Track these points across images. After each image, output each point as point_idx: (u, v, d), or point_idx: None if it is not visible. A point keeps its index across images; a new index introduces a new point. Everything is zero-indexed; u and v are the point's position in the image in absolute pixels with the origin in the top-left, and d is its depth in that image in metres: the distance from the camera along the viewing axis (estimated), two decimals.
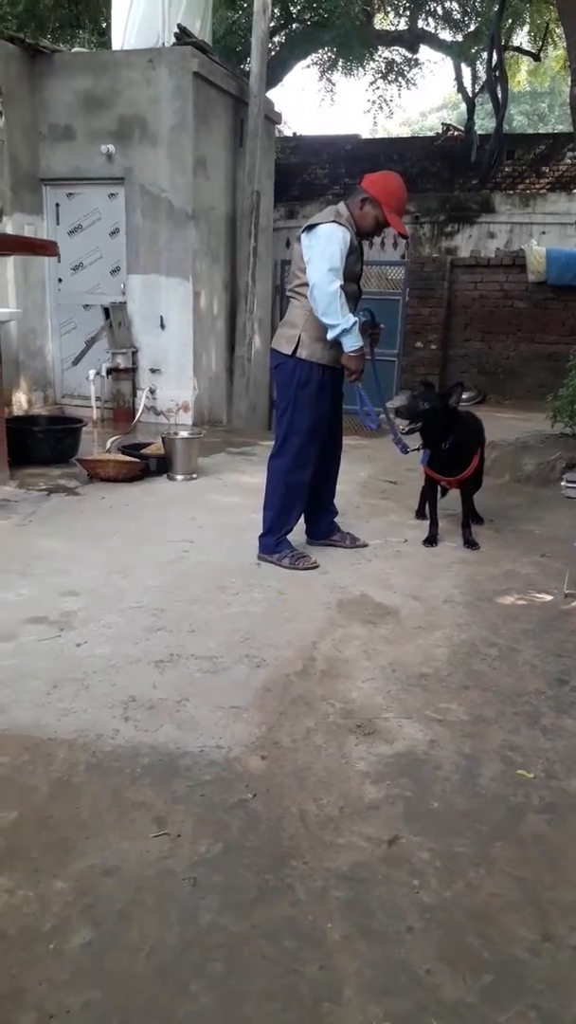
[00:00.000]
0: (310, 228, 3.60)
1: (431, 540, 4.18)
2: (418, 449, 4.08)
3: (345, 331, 3.54)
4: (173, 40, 7.49)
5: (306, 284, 3.61)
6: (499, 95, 12.47)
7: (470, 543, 4.12)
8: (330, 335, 3.58)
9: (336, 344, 3.68)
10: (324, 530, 4.17)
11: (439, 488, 4.29)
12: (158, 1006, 1.46)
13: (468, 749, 2.29)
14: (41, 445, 5.85)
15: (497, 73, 12.37)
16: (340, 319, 3.52)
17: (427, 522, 4.28)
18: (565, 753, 2.28)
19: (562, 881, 1.78)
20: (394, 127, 27.30)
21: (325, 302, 3.52)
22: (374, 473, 5.92)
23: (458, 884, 1.76)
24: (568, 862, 1.84)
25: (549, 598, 3.44)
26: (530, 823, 1.97)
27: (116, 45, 8.00)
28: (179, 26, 7.49)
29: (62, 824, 1.94)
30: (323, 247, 3.52)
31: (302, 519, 4.06)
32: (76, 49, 10.68)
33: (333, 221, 3.56)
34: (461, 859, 1.84)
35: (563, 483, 3.20)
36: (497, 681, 2.70)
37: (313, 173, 14.16)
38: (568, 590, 3.12)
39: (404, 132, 27.24)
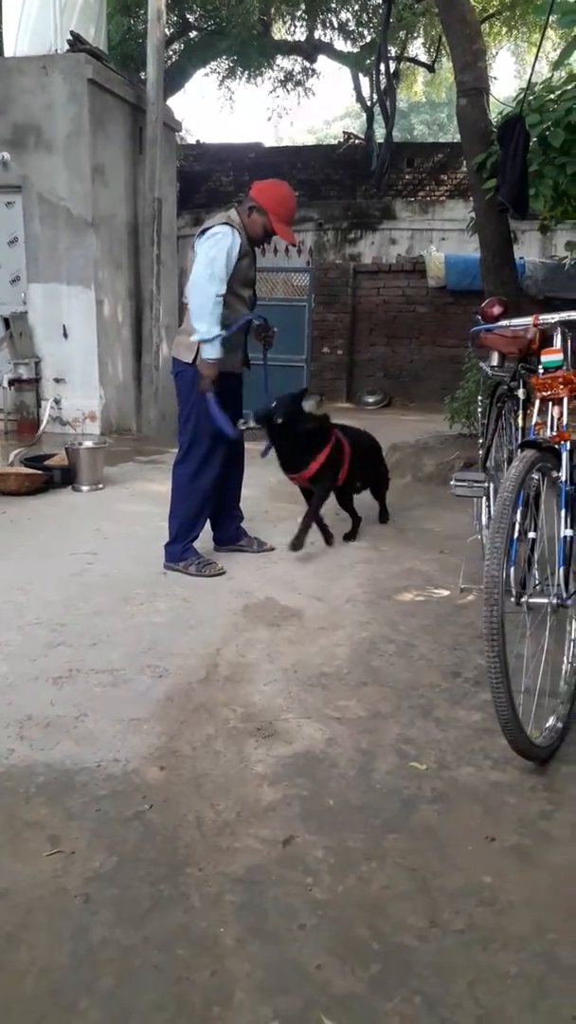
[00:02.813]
0: (203, 232, 3.63)
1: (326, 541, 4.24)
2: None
3: (207, 340, 3.54)
4: (66, 47, 7.39)
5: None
6: (388, 107, 12.79)
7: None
8: (193, 337, 3.58)
9: (235, 349, 3.73)
10: (231, 536, 4.19)
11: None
12: None
13: (364, 745, 2.34)
14: None
15: (385, 85, 12.68)
16: (206, 327, 3.51)
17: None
18: (457, 743, 2.35)
19: (450, 868, 1.83)
20: (300, 135, 27.65)
21: (198, 303, 3.53)
22: (283, 478, 5.93)
23: (350, 879, 1.80)
24: (456, 849, 1.90)
25: (446, 593, 3.54)
26: (421, 814, 2.03)
27: (8, 52, 7.84)
28: (72, 33, 7.40)
29: None
30: (208, 249, 3.55)
31: (208, 526, 4.06)
32: None
33: (225, 223, 3.59)
34: (354, 854, 1.88)
35: (452, 482, 3.31)
36: (394, 676, 2.77)
37: (218, 180, 14.21)
38: (464, 585, 3.21)
39: (310, 140, 27.62)
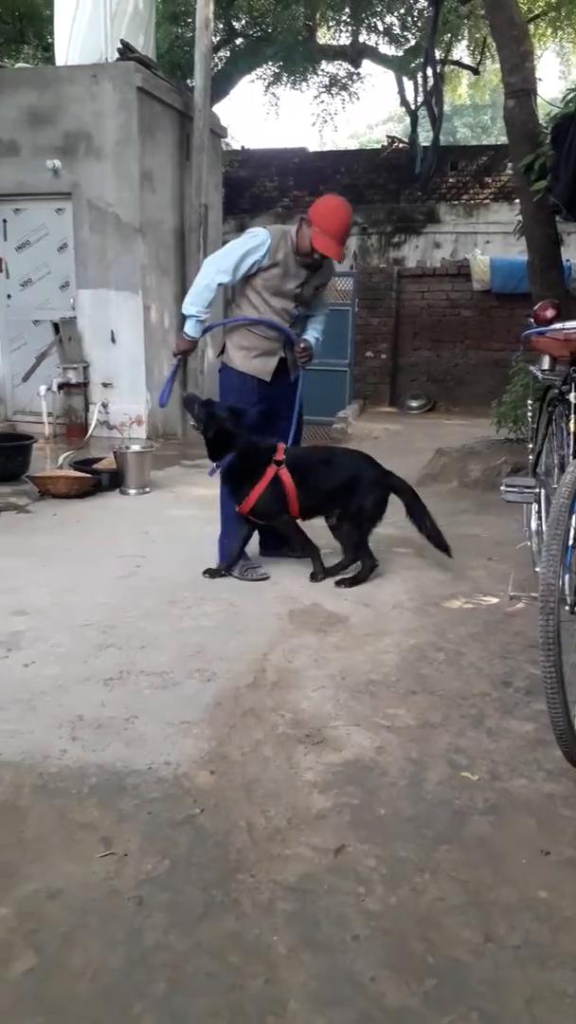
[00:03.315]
0: None
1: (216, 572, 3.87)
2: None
3: (186, 316, 3.74)
4: (116, 55, 7.50)
5: (240, 295, 3.81)
6: (435, 110, 12.71)
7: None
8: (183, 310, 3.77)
9: (264, 355, 3.81)
10: (276, 542, 4.18)
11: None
12: None
13: (415, 754, 2.31)
14: None
15: (432, 88, 12.61)
16: (189, 302, 3.71)
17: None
18: (509, 754, 2.31)
19: (504, 881, 1.80)
20: (342, 140, 27.64)
21: (195, 282, 3.75)
22: None
23: (403, 890, 1.78)
24: (510, 862, 1.87)
25: (495, 601, 3.50)
26: (474, 825, 2.00)
27: (60, 61, 7.99)
28: (122, 41, 7.50)
29: (6, 848, 1.92)
30: (233, 241, 3.73)
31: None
32: (19, 65, 10.62)
33: (265, 228, 3.71)
34: (406, 865, 1.86)
35: (502, 487, 3.26)
36: (444, 685, 2.74)
37: (262, 186, 14.27)
38: (513, 592, 3.16)
39: (352, 144, 27.57)
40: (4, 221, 7.86)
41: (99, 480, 5.57)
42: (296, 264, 3.71)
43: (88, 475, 5.57)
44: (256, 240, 3.64)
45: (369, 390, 10.72)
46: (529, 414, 3.82)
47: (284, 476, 3.72)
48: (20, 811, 2.05)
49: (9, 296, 8.00)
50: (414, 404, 10.58)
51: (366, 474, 3.83)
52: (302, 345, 3.87)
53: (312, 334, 3.96)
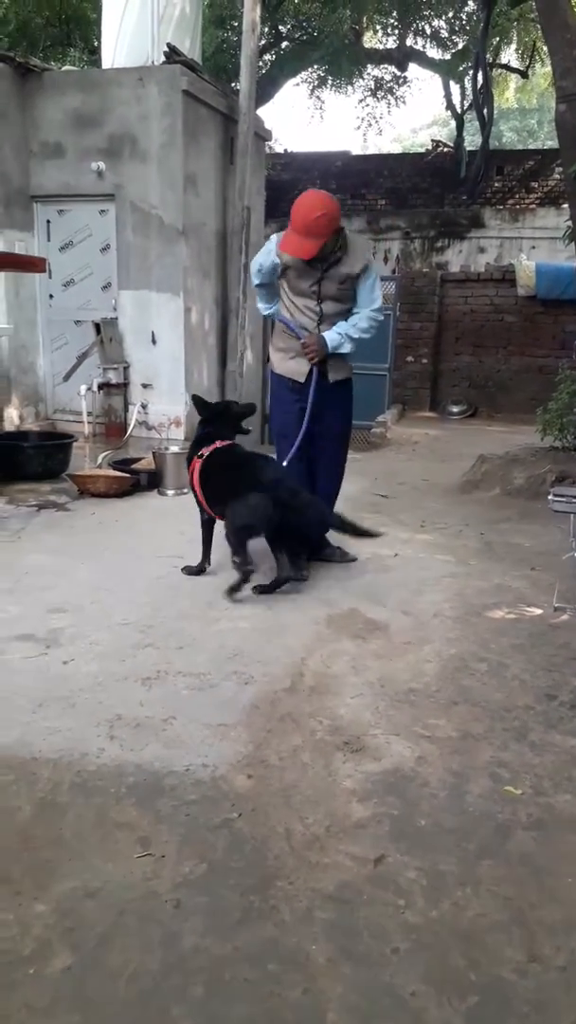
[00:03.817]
0: None
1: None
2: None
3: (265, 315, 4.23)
4: (162, 59, 7.54)
5: (278, 296, 3.98)
6: (485, 113, 12.61)
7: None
8: None
9: (298, 356, 3.86)
10: (314, 544, 4.16)
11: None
12: None
13: (456, 766, 2.27)
14: (31, 461, 5.83)
15: (483, 92, 12.51)
16: (259, 304, 4.19)
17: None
18: (553, 769, 2.26)
19: (549, 900, 1.76)
20: (385, 143, 27.57)
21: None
22: (366, 487, 5.91)
23: (444, 904, 1.74)
24: (555, 880, 1.82)
25: (539, 612, 3.43)
26: (517, 840, 1.96)
27: (106, 63, 8.05)
28: (168, 45, 7.54)
29: (45, 845, 1.92)
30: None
31: None
32: (66, 67, 10.76)
33: (278, 233, 3.87)
34: (447, 878, 1.82)
35: (550, 496, 3.20)
36: (486, 696, 2.69)
37: (304, 189, 14.25)
38: (558, 604, 3.11)
39: (395, 148, 27.46)
40: (48, 222, 7.94)
41: (138, 480, 5.61)
42: (303, 263, 3.70)
43: (127, 475, 5.60)
44: (269, 245, 3.85)
45: (409, 395, 10.65)
46: None
47: (194, 469, 3.81)
48: (59, 808, 2.05)
49: (51, 296, 8.07)
50: (455, 410, 10.49)
51: (245, 478, 3.66)
52: (301, 340, 3.80)
53: (338, 329, 3.81)
